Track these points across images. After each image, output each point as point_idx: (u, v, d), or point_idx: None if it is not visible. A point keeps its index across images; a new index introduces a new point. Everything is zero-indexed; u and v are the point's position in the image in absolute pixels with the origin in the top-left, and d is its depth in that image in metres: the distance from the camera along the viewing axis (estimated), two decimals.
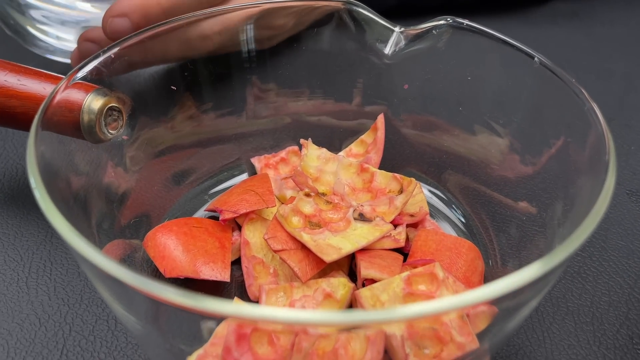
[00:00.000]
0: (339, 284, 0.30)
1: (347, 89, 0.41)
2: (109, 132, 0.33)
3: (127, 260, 0.32)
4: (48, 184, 0.25)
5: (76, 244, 0.21)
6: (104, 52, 0.33)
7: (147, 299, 0.21)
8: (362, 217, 0.33)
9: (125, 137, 0.35)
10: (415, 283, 0.29)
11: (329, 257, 0.30)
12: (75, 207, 0.28)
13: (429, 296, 0.29)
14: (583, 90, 0.28)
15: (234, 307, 0.19)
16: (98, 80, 0.33)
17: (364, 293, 0.28)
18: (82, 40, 0.42)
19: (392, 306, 0.28)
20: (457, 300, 0.19)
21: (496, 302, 0.19)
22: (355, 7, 0.38)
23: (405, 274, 0.29)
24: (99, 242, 0.29)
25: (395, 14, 0.39)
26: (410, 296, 0.29)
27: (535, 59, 0.32)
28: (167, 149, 0.38)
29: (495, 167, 0.36)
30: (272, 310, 0.19)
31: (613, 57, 0.58)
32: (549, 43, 0.60)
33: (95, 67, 0.32)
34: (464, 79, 0.37)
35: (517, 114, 0.34)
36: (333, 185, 0.36)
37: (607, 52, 0.59)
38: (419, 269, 0.30)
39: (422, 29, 0.37)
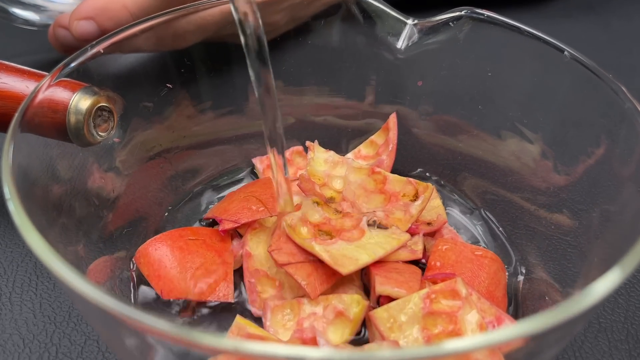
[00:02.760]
0: (352, 301, 0.27)
1: (356, 87, 0.38)
2: (98, 135, 0.31)
3: (119, 277, 0.29)
4: (25, 194, 0.22)
5: (54, 266, 0.19)
6: (92, 47, 0.30)
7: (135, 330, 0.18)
8: (376, 225, 0.30)
9: (116, 140, 0.32)
10: (436, 301, 0.26)
11: (346, 268, 0.28)
12: (57, 219, 0.25)
13: (451, 315, 0.26)
14: (622, 87, 0.25)
15: (234, 342, 0.16)
16: (86, 78, 0.30)
17: (380, 314, 0.26)
18: (56, 26, 0.41)
19: (411, 328, 0.25)
20: (491, 337, 0.16)
21: (539, 337, 0.17)
22: None
23: (424, 291, 0.27)
24: (85, 258, 0.27)
25: (402, 7, 0.36)
26: (431, 316, 0.26)
27: (565, 52, 0.29)
28: (162, 152, 0.36)
29: (520, 172, 0.33)
30: (277, 348, 0.16)
31: (633, 51, 0.55)
32: (564, 37, 0.57)
33: (83, 63, 0.30)
34: (484, 76, 0.34)
35: (545, 114, 0.32)
36: (342, 191, 0.33)
37: (626, 46, 0.56)
38: (439, 285, 0.27)
39: (437, 21, 0.34)
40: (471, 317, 0.26)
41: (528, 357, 0.20)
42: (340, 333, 0.27)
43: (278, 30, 0.38)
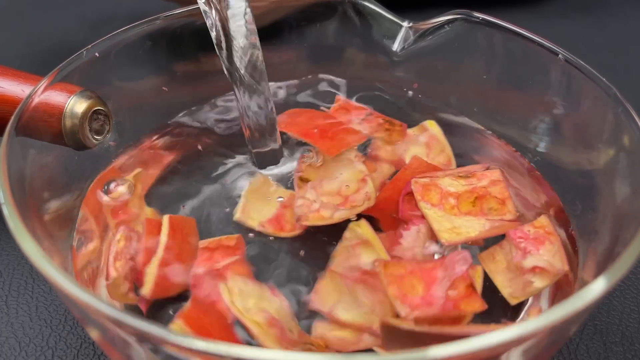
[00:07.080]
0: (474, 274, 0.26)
1: (352, 89, 0.38)
2: (94, 138, 0.31)
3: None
4: (20, 198, 0.22)
5: (47, 270, 0.19)
6: (88, 50, 0.30)
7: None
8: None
9: (112, 143, 0.32)
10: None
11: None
12: (52, 223, 0.25)
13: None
14: (616, 91, 0.26)
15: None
16: (82, 81, 0.30)
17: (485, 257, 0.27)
18: None
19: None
20: (476, 343, 0.16)
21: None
22: (360, 0, 0.35)
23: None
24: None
25: (397, 9, 0.36)
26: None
27: (560, 55, 0.29)
28: (158, 151, 0.36)
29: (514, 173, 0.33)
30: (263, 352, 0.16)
31: (630, 53, 0.55)
32: (560, 38, 0.57)
33: (79, 67, 0.30)
34: (479, 78, 0.34)
35: (539, 117, 0.32)
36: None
37: (622, 47, 0.56)
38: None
39: (433, 24, 0.34)
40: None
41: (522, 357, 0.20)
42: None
43: (263, 18, 0.36)
